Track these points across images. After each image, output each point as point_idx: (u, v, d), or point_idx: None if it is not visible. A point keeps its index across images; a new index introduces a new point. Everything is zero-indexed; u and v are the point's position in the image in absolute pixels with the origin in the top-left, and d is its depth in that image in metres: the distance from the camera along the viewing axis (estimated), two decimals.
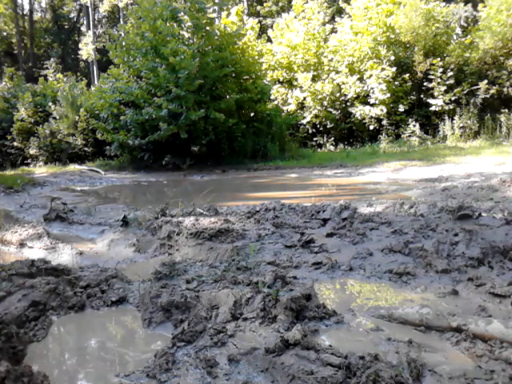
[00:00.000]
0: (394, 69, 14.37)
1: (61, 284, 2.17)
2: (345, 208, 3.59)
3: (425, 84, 14.52)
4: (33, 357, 1.68)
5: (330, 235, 3.17)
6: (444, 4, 15.42)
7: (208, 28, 11.79)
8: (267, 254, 2.90)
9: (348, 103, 15.53)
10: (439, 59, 14.26)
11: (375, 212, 3.77)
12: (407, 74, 14.87)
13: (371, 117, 14.83)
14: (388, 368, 1.35)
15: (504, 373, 1.41)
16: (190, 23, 11.75)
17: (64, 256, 3.16)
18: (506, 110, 13.58)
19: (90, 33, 32.80)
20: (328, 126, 15.83)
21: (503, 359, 1.49)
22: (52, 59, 30.84)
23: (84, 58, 32.61)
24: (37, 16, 41.10)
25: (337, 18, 18.47)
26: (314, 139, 16.06)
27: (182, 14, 11.80)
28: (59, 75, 19.32)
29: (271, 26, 21.39)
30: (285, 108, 15.99)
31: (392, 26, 15.26)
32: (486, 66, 14.38)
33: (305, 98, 15.71)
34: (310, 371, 1.39)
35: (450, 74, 14.05)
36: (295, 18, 17.55)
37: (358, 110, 14.89)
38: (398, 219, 3.38)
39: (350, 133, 16.17)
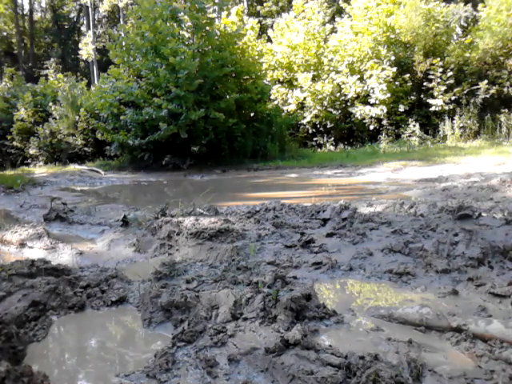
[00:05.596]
0: (394, 69, 14.37)
1: (61, 284, 2.17)
2: (345, 208, 3.59)
3: (425, 84, 14.53)
4: (33, 357, 1.68)
5: (330, 235, 3.17)
6: (444, 4, 15.42)
7: (208, 28, 11.78)
8: (267, 254, 2.90)
9: (348, 103, 15.53)
10: (439, 59, 14.26)
11: (375, 212, 3.77)
12: (407, 74, 14.87)
13: (371, 117, 14.83)
14: (388, 368, 1.35)
15: (504, 373, 1.41)
16: (189, 23, 11.75)
17: (64, 256, 3.16)
18: (506, 110, 13.58)
19: (90, 33, 32.79)
20: (328, 126, 15.82)
21: (503, 359, 1.49)
22: (52, 59, 30.82)
23: (84, 58, 32.60)
24: (37, 16, 41.11)
25: (337, 18, 18.45)
26: (314, 139, 16.06)
27: (182, 13, 11.80)
28: (59, 75, 19.32)
29: (271, 26, 21.38)
30: (285, 108, 15.99)
31: (392, 26, 15.26)
32: (485, 66, 14.38)
33: (305, 98, 15.71)
34: (310, 371, 1.39)
35: (450, 73, 14.06)
36: (295, 17, 17.55)
37: (358, 110, 14.89)
38: (398, 219, 3.38)
39: (350, 133, 16.17)
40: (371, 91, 14.67)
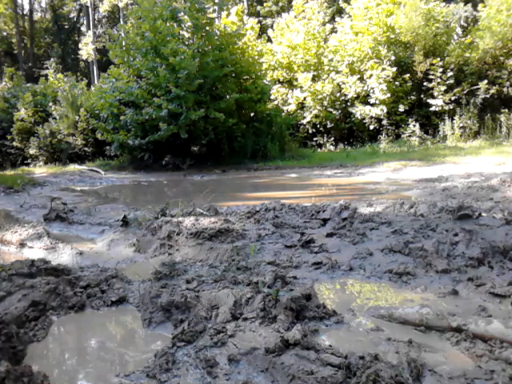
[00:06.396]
0: (394, 69, 14.37)
1: (61, 284, 2.17)
2: (345, 208, 3.59)
3: (425, 84, 14.52)
4: (33, 357, 1.68)
5: (330, 235, 3.17)
6: (444, 4, 15.42)
7: (208, 28, 11.79)
8: (267, 253, 2.90)
9: (348, 103, 15.53)
10: (439, 59, 14.26)
11: (375, 212, 3.77)
12: (407, 74, 14.87)
13: (371, 117, 14.83)
14: (388, 368, 1.35)
15: (504, 373, 1.41)
16: (189, 23, 11.75)
17: (64, 256, 3.16)
18: (506, 110, 13.58)
19: (90, 33, 32.80)
20: (328, 126, 15.82)
21: (503, 359, 1.49)
22: (52, 59, 30.80)
23: (84, 58, 32.62)
24: (37, 16, 41.13)
25: (337, 18, 18.45)
26: (314, 139, 16.06)
27: (181, 13, 11.80)
28: (59, 75, 19.31)
29: (271, 26, 21.38)
30: (285, 108, 15.98)
31: (392, 26, 15.26)
32: (485, 66, 14.38)
33: (305, 98, 15.71)
34: (310, 371, 1.39)
35: (450, 74, 14.06)
36: (295, 17, 17.55)
37: (358, 110, 14.89)
38: (398, 219, 3.38)
39: (350, 133, 16.17)
40: (371, 91, 14.66)
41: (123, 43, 12.30)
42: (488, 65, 14.35)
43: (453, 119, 13.91)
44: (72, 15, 41.49)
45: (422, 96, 14.78)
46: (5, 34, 36.35)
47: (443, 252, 2.57)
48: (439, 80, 14.14)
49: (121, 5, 31.97)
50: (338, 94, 15.42)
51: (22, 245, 3.43)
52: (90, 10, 33.10)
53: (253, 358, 1.54)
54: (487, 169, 7.66)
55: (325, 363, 1.43)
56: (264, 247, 3.01)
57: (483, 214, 3.31)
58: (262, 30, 19.82)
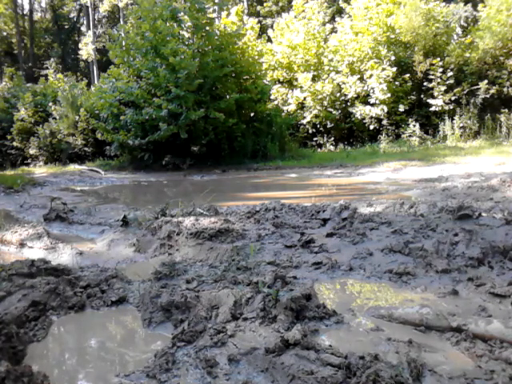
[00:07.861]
0: (394, 69, 14.37)
1: (61, 284, 2.17)
2: (345, 208, 3.59)
3: (425, 84, 14.53)
4: (33, 357, 1.68)
5: (330, 235, 3.17)
6: (444, 4, 15.42)
7: (208, 28, 11.79)
8: (267, 253, 2.90)
9: (348, 103, 15.53)
10: (439, 59, 14.26)
11: (375, 212, 3.77)
12: (407, 74, 14.88)
13: (371, 117, 14.82)
14: (388, 368, 1.35)
15: (504, 373, 1.41)
16: (189, 23, 11.75)
17: (64, 256, 3.16)
18: (506, 110, 13.58)
19: (90, 33, 32.81)
20: (328, 126, 15.82)
21: (503, 359, 1.49)
22: (52, 59, 30.81)
23: (84, 58, 32.62)
24: (37, 16, 41.13)
25: (337, 18, 18.46)
26: (314, 139, 16.06)
27: (181, 13, 11.80)
28: (59, 75, 19.31)
29: (271, 26, 21.38)
30: (285, 108, 15.98)
31: (392, 26, 15.27)
32: (485, 66, 14.38)
33: (305, 98, 15.71)
34: (310, 371, 1.39)
35: (450, 74, 14.06)
36: (295, 17, 17.55)
37: (359, 110, 14.89)
38: (398, 219, 3.38)
39: (350, 133, 16.17)
40: (371, 91, 14.66)
41: (123, 43, 12.30)
42: (488, 65, 14.35)
43: (453, 119, 13.91)
44: (72, 15, 41.50)
45: (422, 96, 14.78)
46: (5, 34, 36.34)
47: (443, 252, 2.57)
48: (439, 80, 14.15)
49: (121, 5, 31.97)
50: (338, 94, 15.42)
51: (22, 245, 3.43)
52: (89, 9, 33.11)
53: (253, 358, 1.54)
54: (487, 169, 7.66)
55: (325, 363, 1.43)
56: (264, 247, 3.01)
57: (483, 214, 3.31)
58: (262, 30, 19.82)
